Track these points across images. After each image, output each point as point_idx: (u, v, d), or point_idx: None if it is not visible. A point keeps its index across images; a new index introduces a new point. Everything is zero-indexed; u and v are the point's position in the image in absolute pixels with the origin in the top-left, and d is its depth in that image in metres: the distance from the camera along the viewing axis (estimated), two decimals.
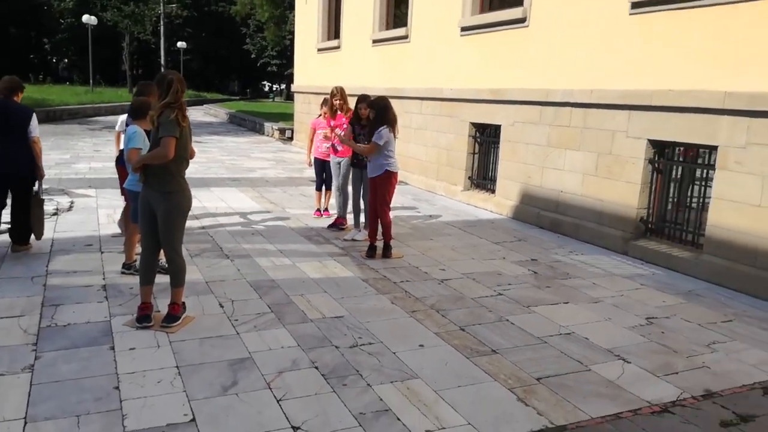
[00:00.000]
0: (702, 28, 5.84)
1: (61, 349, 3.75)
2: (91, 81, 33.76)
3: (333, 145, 7.32)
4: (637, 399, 3.48)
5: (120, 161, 5.76)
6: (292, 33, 20.20)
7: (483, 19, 9.01)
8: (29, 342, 3.82)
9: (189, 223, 7.02)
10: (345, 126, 6.95)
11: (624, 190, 6.68)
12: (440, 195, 10.05)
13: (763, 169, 5.33)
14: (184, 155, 4.16)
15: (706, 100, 5.74)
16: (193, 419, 3.03)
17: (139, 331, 4.04)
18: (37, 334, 3.95)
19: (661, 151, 6.44)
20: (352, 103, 7.00)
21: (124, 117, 5.98)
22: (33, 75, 42.26)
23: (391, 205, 6.33)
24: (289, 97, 18.74)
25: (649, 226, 6.59)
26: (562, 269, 6.03)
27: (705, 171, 6.11)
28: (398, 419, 3.14)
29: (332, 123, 7.34)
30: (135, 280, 4.74)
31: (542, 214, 7.88)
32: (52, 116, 20.60)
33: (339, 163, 7.28)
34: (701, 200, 6.18)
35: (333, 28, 15.12)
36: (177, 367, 3.58)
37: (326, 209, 8.02)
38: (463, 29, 9.38)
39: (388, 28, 12.14)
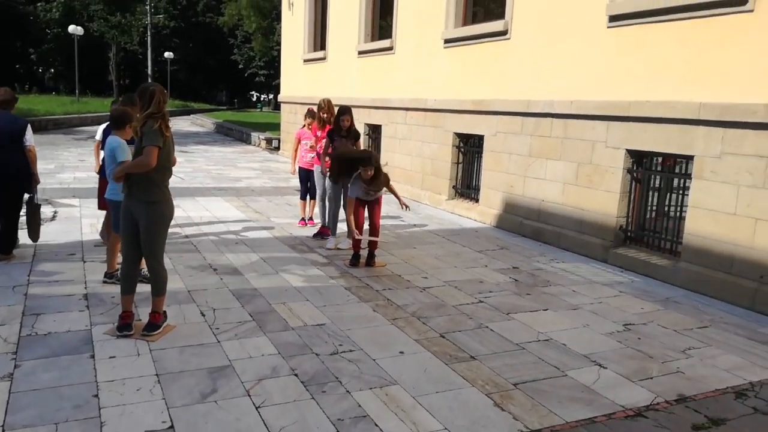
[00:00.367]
0: (677, 41, 5.98)
1: (41, 357, 3.75)
2: (77, 91, 33.62)
3: (318, 155, 7.38)
4: (611, 404, 3.54)
5: (103, 172, 5.77)
6: (280, 44, 20.30)
7: (466, 32, 9.13)
8: (9, 351, 3.82)
9: (172, 233, 7.06)
10: (323, 137, 7.13)
11: (603, 199, 6.79)
12: (425, 204, 10.12)
13: (738, 178, 5.45)
14: (168, 165, 4.20)
15: (682, 110, 5.86)
16: (172, 426, 3.05)
17: (119, 339, 4.05)
18: (17, 342, 3.95)
19: (639, 160, 6.56)
20: None
21: (102, 127, 6.01)
22: (19, 85, 41.94)
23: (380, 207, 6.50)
24: (277, 107, 18.78)
25: (629, 234, 6.70)
26: (542, 277, 6.10)
27: (682, 180, 6.22)
28: (376, 425, 3.18)
29: (319, 134, 7.41)
30: (117, 289, 4.73)
31: (524, 223, 7.97)
32: (37, 126, 20.48)
33: (324, 173, 7.33)
34: (677, 209, 6.29)
35: (319, 39, 15.22)
36: (157, 375, 3.59)
37: (311, 218, 8.06)
38: (447, 41, 9.50)
39: (373, 40, 12.25)
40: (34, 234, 5.98)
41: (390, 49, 11.24)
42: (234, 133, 23.83)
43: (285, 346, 4.11)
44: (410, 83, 10.59)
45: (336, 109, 7.39)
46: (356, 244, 6.20)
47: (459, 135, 9.52)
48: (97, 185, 6.09)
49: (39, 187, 6.11)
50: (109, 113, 6.03)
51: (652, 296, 5.63)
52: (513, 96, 8.12)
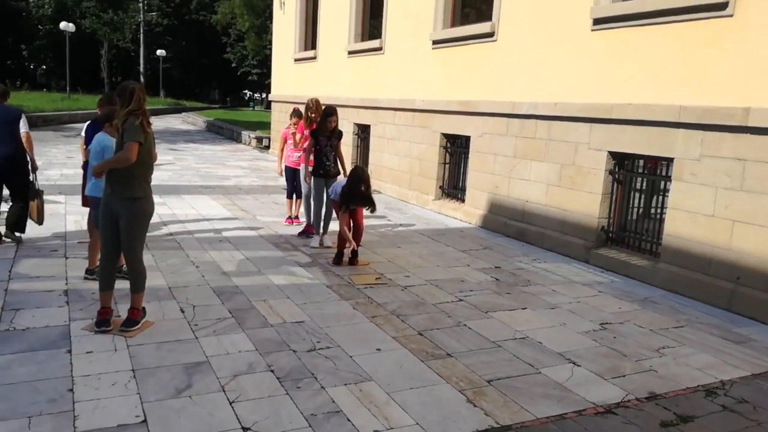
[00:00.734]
0: (659, 44, 6.05)
1: (18, 352, 3.76)
2: (68, 88, 33.46)
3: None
4: (582, 400, 3.59)
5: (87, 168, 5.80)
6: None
7: (453, 33, 9.18)
8: None
9: (156, 230, 7.09)
10: (306, 135, 7.15)
11: (586, 200, 6.85)
12: (412, 204, 10.16)
13: (716, 180, 5.52)
14: (149, 161, 4.22)
15: (663, 113, 5.93)
16: (144, 420, 3.08)
17: (97, 335, 4.07)
18: None
19: (621, 162, 6.62)
20: None
21: (86, 125, 6.04)
22: (10, 81, 41.72)
23: (364, 214, 6.51)
24: (270, 106, 18.79)
25: (610, 235, 6.76)
26: (524, 276, 6.15)
27: (664, 182, 6.28)
28: (348, 420, 3.21)
29: (306, 132, 7.41)
30: (97, 285, 4.73)
31: (509, 223, 8.02)
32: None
33: (307, 177, 7.33)
34: (656, 210, 6.36)
35: (310, 38, 15.24)
36: (133, 370, 3.61)
37: (297, 216, 8.09)
38: (435, 42, 9.55)
39: (363, 40, 12.28)
40: (40, 218, 6.26)
41: (379, 49, 11.27)
42: (225, 132, 23.81)
43: (263, 342, 4.14)
44: (399, 83, 10.64)
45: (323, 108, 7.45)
46: (341, 242, 6.23)
47: (446, 136, 9.57)
48: (81, 182, 6.09)
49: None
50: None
51: (631, 296, 5.69)
52: (499, 97, 8.17)
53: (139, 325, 4.19)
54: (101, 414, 3.11)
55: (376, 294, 5.32)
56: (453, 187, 9.59)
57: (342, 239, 6.20)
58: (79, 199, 8.52)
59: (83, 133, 6.20)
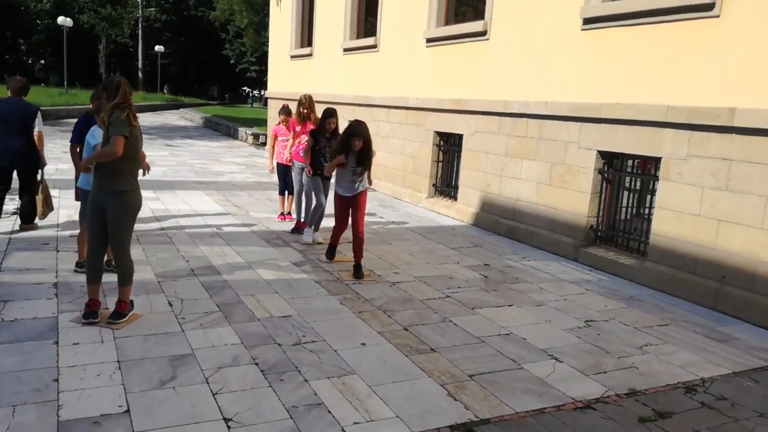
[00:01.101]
0: (648, 44, 6.09)
1: (4, 343, 3.80)
2: (65, 83, 33.44)
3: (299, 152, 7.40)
4: (563, 396, 3.64)
5: None
6: None
7: (447, 31, 9.22)
8: None
9: (148, 225, 7.13)
10: (306, 136, 7.08)
11: (575, 198, 6.89)
12: (405, 201, 10.21)
13: (702, 180, 5.57)
14: (135, 155, 4.25)
15: (651, 113, 5.97)
16: (127, 410, 3.12)
17: (85, 327, 4.11)
18: None
19: (610, 161, 6.67)
20: (319, 109, 7.18)
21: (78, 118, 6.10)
22: (8, 75, 41.73)
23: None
24: (267, 103, 18.76)
25: (599, 233, 6.81)
26: (512, 274, 6.20)
27: (651, 182, 6.33)
28: (329, 412, 3.26)
29: (298, 129, 7.43)
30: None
31: (500, 221, 8.07)
32: None
33: (302, 169, 7.36)
34: (642, 209, 6.41)
35: (306, 35, 15.26)
36: (118, 361, 3.65)
37: (289, 213, 8.13)
38: (428, 40, 9.59)
39: (358, 38, 12.31)
40: (50, 207, 6.55)
41: (374, 47, 11.31)
42: (222, 128, 23.83)
43: (248, 336, 4.18)
44: (393, 81, 10.67)
45: (315, 105, 7.47)
46: (335, 236, 6.16)
47: (440, 134, 9.61)
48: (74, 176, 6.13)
49: None
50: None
51: (617, 294, 5.74)
52: (491, 96, 8.21)
53: (127, 317, 4.23)
54: (85, 404, 3.15)
55: (364, 290, 5.37)
56: (446, 185, 9.64)
57: (336, 233, 6.13)
58: (72, 193, 8.55)
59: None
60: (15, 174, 6.65)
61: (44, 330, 4.04)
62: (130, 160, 4.16)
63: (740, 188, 5.25)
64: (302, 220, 7.42)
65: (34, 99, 26.37)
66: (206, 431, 3.00)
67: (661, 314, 5.28)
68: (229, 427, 3.04)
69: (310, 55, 14.40)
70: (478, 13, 8.65)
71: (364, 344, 4.19)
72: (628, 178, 6.66)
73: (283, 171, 7.95)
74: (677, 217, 5.79)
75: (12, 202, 7.86)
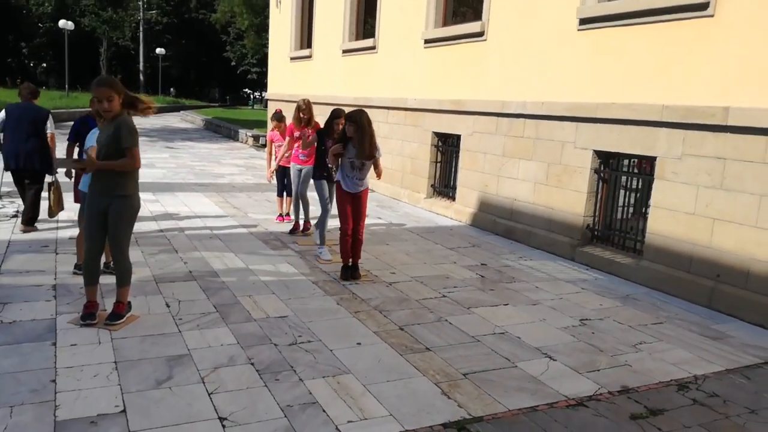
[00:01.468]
0: (643, 44, 6.12)
1: (3, 344, 3.84)
2: (66, 86, 33.54)
3: (298, 155, 7.39)
4: (556, 393, 3.67)
5: None
6: None
7: (445, 32, 9.25)
8: None
9: (147, 226, 7.19)
10: (310, 136, 6.96)
11: (572, 198, 6.93)
12: (404, 202, 10.24)
13: (697, 178, 5.59)
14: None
15: (646, 112, 6.00)
16: (124, 410, 3.16)
17: (82, 328, 4.15)
18: None
19: (606, 161, 6.70)
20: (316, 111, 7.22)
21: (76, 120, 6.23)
22: (10, 79, 41.89)
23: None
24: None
25: (595, 233, 6.84)
26: (509, 273, 6.23)
27: (648, 181, 6.36)
28: (324, 411, 3.29)
29: (296, 134, 7.39)
30: None
31: (498, 221, 8.10)
32: None
33: (300, 171, 7.40)
34: (637, 208, 6.43)
35: (306, 37, 15.31)
36: (115, 362, 3.69)
37: (288, 214, 8.17)
38: (427, 41, 9.62)
39: (357, 39, 12.35)
40: (59, 206, 6.56)
41: (373, 48, 11.35)
42: (222, 130, 23.90)
43: (245, 336, 4.21)
44: (392, 82, 10.71)
45: (314, 108, 7.47)
46: (345, 254, 5.77)
47: (438, 134, 9.64)
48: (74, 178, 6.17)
49: None
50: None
51: (613, 293, 5.77)
52: (489, 97, 8.25)
53: (124, 319, 4.27)
54: (82, 404, 3.19)
55: (360, 290, 5.40)
56: (444, 186, 9.67)
57: (342, 241, 5.77)
58: (71, 196, 8.60)
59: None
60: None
61: (42, 331, 4.08)
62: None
63: (734, 187, 5.28)
64: (301, 221, 7.46)
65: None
66: (202, 430, 3.04)
67: (657, 312, 5.31)
68: (224, 426, 3.08)
69: (310, 56, 14.45)
70: (476, 14, 8.68)
71: (359, 344, 4.22)
72: (624, 178, 6.68)
73: (282, 172, 7.98)
74: (672, 216, 5.82)
75: (12, 205, 7.95)
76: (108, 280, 4.82)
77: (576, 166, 6.86)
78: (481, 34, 8.38)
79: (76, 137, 5.90)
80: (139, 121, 25.78)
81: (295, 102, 7.59)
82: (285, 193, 8.14)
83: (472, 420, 3.30)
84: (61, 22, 30.67)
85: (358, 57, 12.09)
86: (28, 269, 5.37)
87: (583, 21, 6.75)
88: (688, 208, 5.68)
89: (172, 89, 53.79)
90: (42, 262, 5.58)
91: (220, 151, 17.63)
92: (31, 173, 6.79)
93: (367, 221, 8.30)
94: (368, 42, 11.52)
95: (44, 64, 56.11)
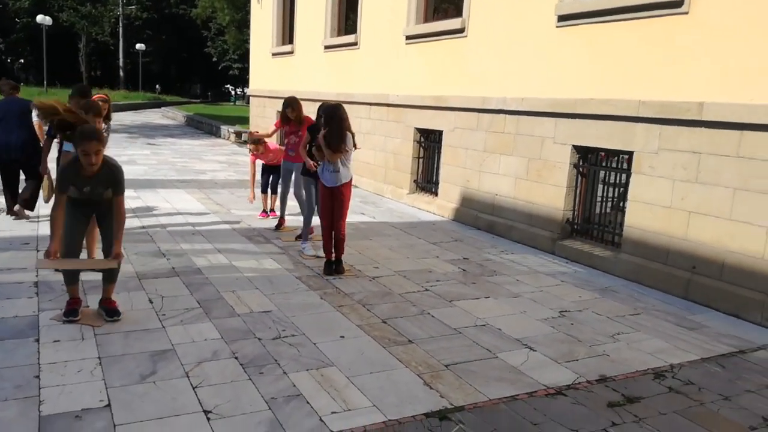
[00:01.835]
0: (619, 41, 6.22)
1: None
2: (45, 82, 33.09)
3: (287, 152, 7.33)
4: (535, 383, 3.75)
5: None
6: None
7: (426, 29, 9.31)
8: None
9: (129, 222, 7.09)
10: (301, 134, 6.92)
11: (552, 193, 7.02)
12: (387, 198, 10.29)
13: (673, 173, 5.71)
14: None
15: (623, 108, 6.11)
16: (108, 405, 3.18)
17: (65, 324, 4.15)
18: None
19: (585, 156, 6.81)
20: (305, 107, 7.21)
21: None
22: None
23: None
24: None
25: (575, 227, 6.95)
26: (490, 267, 6.31)
27: (625, 175, 6.47)
28: (308, 402, 3.34)
29: (285, 129, 7.33)
30: None
31: (480, 216, 8.18)
32: None
33: (290, 170, 7.19)
34: (612, 202, 6.55)
35: (287, 33, 15.27)
36: (99, 357, 3.71)
37: (272, 210, 8.17)
38: (408, 38, 9.67)
39: (339, 35, 12.36)
40: (53, 191, 6.75)
41: (355, 44, 11.37)
42: (204, 126, 23.74)
43: (229, 331, 4.24)
44: (374, 78, 10.75)
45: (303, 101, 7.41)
46: (324, 239, 5.87)
47: (420, 130, 9.70)
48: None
49: None
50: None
51: (592, 285, 5.87)
52: (470, 92, 8.32)
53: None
54: (66, 399, 3.20)
55: (344, 285, 5.45)
56: (427, 181, 9.74)
57: (323, 235, 5.85)
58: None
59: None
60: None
61: (25, 328, 4.07)
62: None
63: (709, 180, 5.40)
64: (284, 216, 7.48)
65: None
66: (186, 423, 3.07)
67: (634, 304, 5.42)
68: (208, 419, 3.11)
69: (292, 52, 14.42)
70: (457, 11, 8.74)
71: (342, 337, 4.27)
72: (602, 172, 6.79)
73: (268, 168, 7.99)
74: (649, 210, 5.94)
75: None
76: (89, 277, 4.81)
77: (555, 161, 6.96)
78: (461, 30, 8.45)
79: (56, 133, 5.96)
80: (119, 117, 25.51)
81: (278, 98, 7.59)
82: (270, 190, 8.13)
83: (453, 409, 3.37)
84: (39, 17, 30.26)
85: (340, 53, 12.10)
86: (9, 267, 5.34)
87: (562, 18, 6.83)
88: (664, 201, 5.80)
89: (157, 86, 53.46)
90: (24, 260, 5.54)
91: (202, 147, 17.54)
92: (26, 167, 6.98)
93: (351, 217, 8.35)
94: (350, 38, 11.54)
95: (22, 60, 55.23)
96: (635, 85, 6.05)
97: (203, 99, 62.07)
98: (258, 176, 8.12)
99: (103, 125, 5.71)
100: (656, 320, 5.04)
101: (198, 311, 4.57)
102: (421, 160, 9.83)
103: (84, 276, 4.51)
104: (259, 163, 8.10)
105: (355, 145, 5.82)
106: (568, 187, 6.85)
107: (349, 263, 6.10)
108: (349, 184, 5.87)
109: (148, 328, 4.20)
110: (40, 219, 7.12)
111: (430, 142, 9.64)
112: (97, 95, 6.41)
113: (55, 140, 5.95)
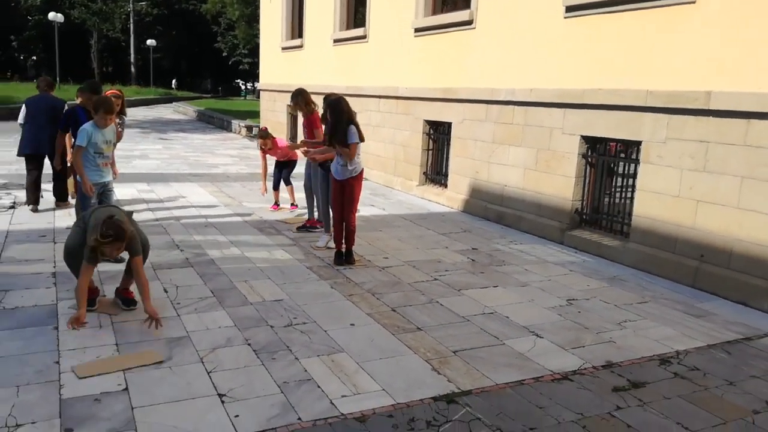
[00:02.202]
0: (627, 31, 6.23)
1: (7, 329, 3.96)
2: (57, 78, 33.36)
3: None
4: (541, 368, 3.82)
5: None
6: None
7: (434, 21, 9.34)
8: None
9: (143, 215, 7.28)
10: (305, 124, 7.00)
11: (560, 183, 7.06)
12: (397, 190, 10.36)
13: (681, 162, 5.73)
14: None
15: (631, 98, 6.13)
16: (126, 388, 3.28)
17: None
18: None
19: (593, 146, 6.83)
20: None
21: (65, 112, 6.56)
22: (0, 72, 41.64)
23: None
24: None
25: (584, 216, 6.98)
26: (499, 257, 6.37)
27: (632, 165, 6.50)
28: (319, 387, 3.43)
29: (304, 122, 7.31)
30: None
31: (489, 207, 8.23)
32: (15, 113, 20.41)
33: (309, 164, 7.08)
34: (623, 191, 6.58)
35: (297, 27, 15.35)
36: (116, 344, 3.82)
37: (294, 204, 8.21)
38: (417, 30, 9.71)
39: (348, 28, 12.41)
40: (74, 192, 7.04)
41: (363, 37, 11.42)
42: (215, 121, 23.90)
43: (242, 319, 4.34)
44: (383, 71, 10.80)
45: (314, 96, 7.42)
46: (338, 241, 5.91)
47: (429, 122, 9.75)
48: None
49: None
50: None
51: (600, 274, 5.92)
52: (478, 84, 8.35)
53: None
54: (86, 383, 3.31)
55: (354, 274, 5.53)
56: (436, 173, 9.79)
57: (334, 227, 5.91)
58: None
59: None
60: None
61: (44, 317, 4.19)
62: None
63: (716, 169, 5.42)
64: (316, 217, 7.17)
65: (27, 95, 26.33)
66: (201, 406, 3.17)
67: (642, 292, 5.46)
68: (223, 402, 3.21)
69: (301, 46, 14.50)
70: (465, 3, 8.77)
71: (353, 325, 4.36)
72: (611, 162, 6.82)
73: (280, 165, 8.09)
74: (658, 199, 5.96)
75: (8, 197, 8.03)
76: (106, 268, 4.93)
77: (564, 151, 6.99)
78: (470, 22, 8.48)
79: (66, 127, 6.55)
80: (132, 113, 25.72)
81: (287, 92, 7.66)
82: (282, 183, 8.19)
83: (460, 393, 3.44)
84: (51, 15, 30.52)
85: (349, 46, 12.16)
86: (27, 258, 5.47)
87: (570, 8, 6.85)
88: (672, 190, 5.82)
89: (174, 81, 54.38)
90: (41, 251, 5.68)
91: (214, 141, 17.68)
92: (51, 159, 7.21)
93: (361, 209, 8.43)
94: (359, 31, 11.59)
95: (34, 57, 55.68)
96: (643, 75, 6.06)
97: (214, 94, 62.28)
98: (270, 171, 8.22)
99: (117, 120, 5.83)
100: (664, 308, 5.08)
101: (212, 300, 4.68)
102: (430, 152, 9.89)
103: (100, 267, 4.61)
104: (272, 158, 8.20)
105: (361, 138, 5.87)
106: (576, 177, 6.89)
107: (359, 254, 6.19)
108: (359, 176, 5.91)
109: (163, 316, 4.28)
110: (56, 213, 7.26)
111: (439, 134, 9.69)
112: (110, 90, 6.54)
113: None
